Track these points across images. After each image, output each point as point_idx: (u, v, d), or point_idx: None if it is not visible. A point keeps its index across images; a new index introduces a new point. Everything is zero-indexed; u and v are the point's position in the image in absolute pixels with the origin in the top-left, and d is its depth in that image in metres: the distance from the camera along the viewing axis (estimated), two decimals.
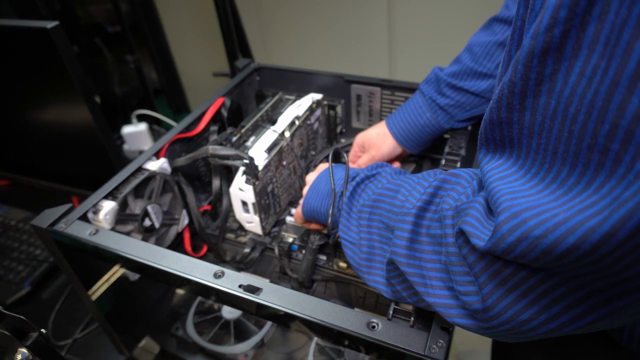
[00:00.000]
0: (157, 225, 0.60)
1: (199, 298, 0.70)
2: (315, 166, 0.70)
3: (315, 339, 0.63)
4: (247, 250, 0.63)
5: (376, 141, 0.66)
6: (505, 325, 0.29)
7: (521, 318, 0.28)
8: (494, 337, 0.32)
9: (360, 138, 0.68)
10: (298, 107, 0.68)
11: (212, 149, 0.58)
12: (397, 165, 0.68)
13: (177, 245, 0.66)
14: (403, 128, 0.64)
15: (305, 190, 0.56)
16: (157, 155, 0.61)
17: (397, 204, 0.39)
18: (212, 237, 0.66)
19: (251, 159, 0.56)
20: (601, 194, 0.22)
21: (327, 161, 0.73)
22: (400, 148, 0.66)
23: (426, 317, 0.38)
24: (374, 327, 0.36)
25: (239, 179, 0.58)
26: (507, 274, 0.28)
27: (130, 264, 0.45)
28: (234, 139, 0.62)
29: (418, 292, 0.35)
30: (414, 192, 0.39)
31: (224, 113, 0.69)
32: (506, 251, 0.26)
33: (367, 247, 0.42)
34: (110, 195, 0.54)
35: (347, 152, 0.77)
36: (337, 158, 0.75)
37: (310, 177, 0.57)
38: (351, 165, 0.66)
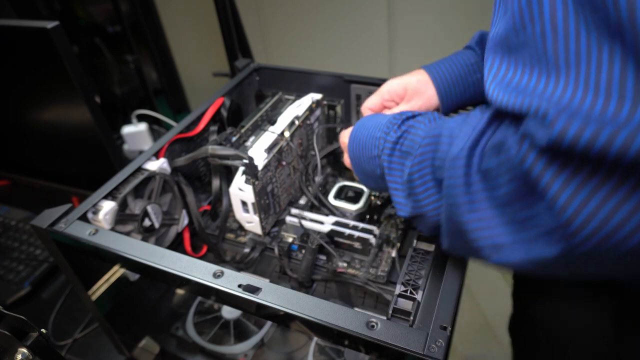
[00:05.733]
0: (157, 225, 0.60)
1: (199, 298, 0.70)
2: (316, 166, 0.70)
3: (315, 338, 0.63)
4: (247, 250, 0.63)
5: (420, 87, 0.58)
6: (591, 239, 0.26)
7: (609, 225, 0.25)
8: (571, 266, 0.29)
9: (392, 85, 0.59)
10: (298, 107, 0.68)
11: (211, 149, 0.58)
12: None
13: (177, 245, 0.66)
14: (448, 81, 0.57)
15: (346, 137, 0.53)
16: (157, 155, 0.61)
17: (449, 154, 0.37)
18: (212, 237, 0.66)
19: (251, 159, 0.56)
20: None
21: (328, 159, 0.72)
22: (437, 102, 0.58)
23: (426, 317, 0.38)
24: (373, 326, 0.36)
25: (239, 179, 0.58)
26: (586, 174, 0.25)
27: (130, 264, 0.45)
28: (234, 139, 0.62)
29: (482, 243, 0.34)
30: (461, 136, 0.36)
31: (224, 113, 0.69)
32: (575, 137, 0.24)
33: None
34: (110, 196, 0.54)
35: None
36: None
37: (346, 133, 0.54)
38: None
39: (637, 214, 0.24)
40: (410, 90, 0.58)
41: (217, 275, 0.41)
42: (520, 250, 0.31)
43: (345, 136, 0.55)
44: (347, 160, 0.53)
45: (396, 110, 0.58)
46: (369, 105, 0.60)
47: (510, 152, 0.31)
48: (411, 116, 0.45)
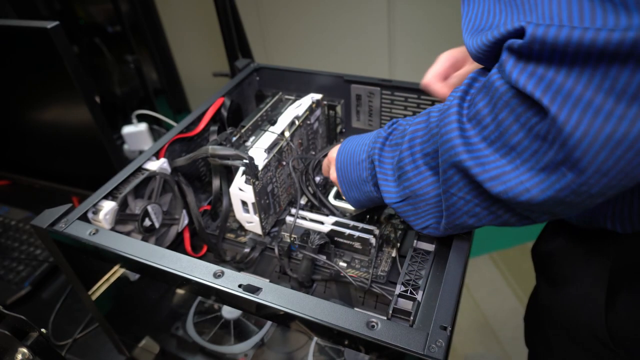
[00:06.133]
0: (157, 225, 0.60)
1: (199, 298, 0.70)
2: (316, 166, 0.70)
3: (315, 338, 0.63)
4: (247, 250, 0.63)
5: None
6: (590, 150, 0.27)
7: (605, 132, 0.27)
8: (579, 190, 0.30)
9: (451, 52, 0.60)
10: (298, 107, 0.68)
11: (211, 149, 0.58)
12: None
13: (177, 245, 0.66)
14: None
15: (332, 156, 0.55)
16: (157, 155, 0.61)
17: (432, 125, 0.40)
18: (212, 237, 0.66)
19: (251, 159, 0.56)
20: None
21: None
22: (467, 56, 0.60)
23: (426, 317, 0.38)
24: (373, 326, 0.36)
25: (239, 179, 0.58)
26: (571, 85, 0.27)
27: (130, 264, 0.45)
28: (234, 139, 0.62)
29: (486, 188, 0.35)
30: (446, 103, 0.39)
31: (224, 113, 0.69)
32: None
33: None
34: (110, 195, 0.54)
35: None
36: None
37: (334, 151, 0.56)
38: (445, 82, 0.58)
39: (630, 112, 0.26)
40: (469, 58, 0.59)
41: (217, 275, 0.41)
42: (525, 179, 0.32)
43: (333, 152, 0.57)
44: (332, 174, 0.56)
45: (463, 71, 0.59)
46: (434, 73, 0.59)
47: (496, 83, 0.32)
48: (396, 121, 0.48)
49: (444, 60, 0.60)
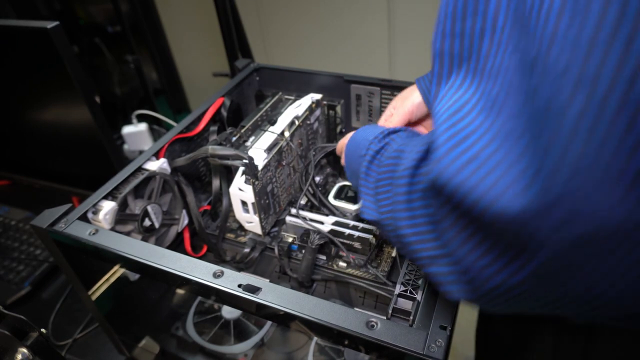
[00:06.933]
0: (157, 225, 0.60)
1: (199, 298, 0.70)
2: (316, 166, 0.70)
3: (315, 338, 0.63)
4: (247, 250, 0.63)
5: (404, 94, 0.61)
6: (467, 273, 0.29)
7: (479, 264, 0.28)
8: (478, 300, 0.31)
9: (395, 100, 0.63)
10: (298, 107, 0.68)
11: (211, 149, 0.58)
12: (421, 129, 0.64)
13: (177, 245, 0.66)
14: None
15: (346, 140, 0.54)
16: (157, 155, 0.61)
17: (400, 169, 0.38)
18: (212, 237, 0.66)
19: (251, 159, 0.56)
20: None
21: (328, 159, 0.72)
22: (424, 105, 0.60)
23: (425, 317, 0.38)
24: (373, 326, 0.36)
25: (239, 179, 0.58)
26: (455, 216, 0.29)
27: (130, 264, 0.45)
28: (234, 139, 0.62)
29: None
30: (413, 153, 0.37)
31: (224, 113, 0.69)
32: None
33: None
34: (110, 195, 0.54)
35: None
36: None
37: (345, 140, 0.55)
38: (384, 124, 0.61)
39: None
40: (396, 98, 0.61)
41: (217, 275, 0.41)
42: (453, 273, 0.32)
43: (347, 137, 0.56)
44: (343, 159, 0.55)
45: (388, 115, 0.61)
46: (385, 116, 0.62)
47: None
48: (393, 131, 0.47)
49: (390, 103, 0.62)
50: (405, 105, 0.58)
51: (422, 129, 0.61)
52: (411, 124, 0.61)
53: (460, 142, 0.27)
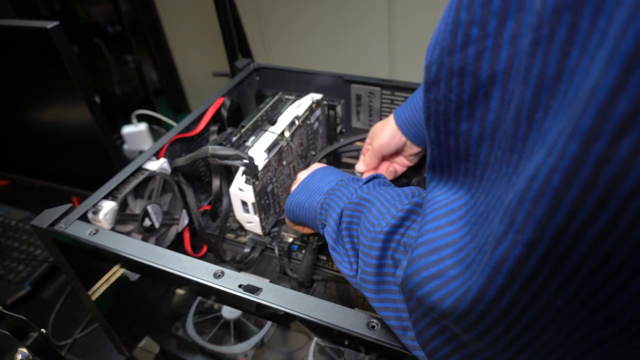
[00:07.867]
0: (157, 225, 0.60)
1: (199, 298, 0.70)
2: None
3: (315, 339, 0.63)
4: (247, 250, 0.63)
5: (378, 129, 0.64)
6: None
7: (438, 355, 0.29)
8: None
9: (371, 129, 0.66)
10: (298, 107, 0.68)
11: (212, 149, 0.58)
12: (400, 162, 0.66)
13: (177, 245, 0.66)
14: (406, 114, 0.61)
15: (293, 187, 0.53)
16: (157, 155, 0.61)
17: (371, 221, 0.37)
18: (212, 237, 0.66)
19: (251, 159, 0.56)
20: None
21: (328, 159, 0.72)
22: (401, 136, 0.62)
23: None
24: (373, 326, 0.36)
25: (239, 179, 0.58)
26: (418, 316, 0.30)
27: (130, 264, 0.45)
28: (234, 139, 0.62)
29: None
30: (387, 215, 0.36)
31: (224, 113, 0.69)
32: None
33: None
34: (110, 195, 0.54)
35: (345, 152, 0.77)
36: (338, 159, 0.75)
37: (302, 175, 0.54)
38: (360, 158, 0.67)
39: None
40: (372, 133, 0.66)
41: (217, 275, 0.41)
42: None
43: (304, 174, 0.55)
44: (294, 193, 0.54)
45: (365, 150, 0.68)
46: (363, 150, 0.69)
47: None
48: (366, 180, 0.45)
49: (368, 137, 0.67)
50: (374, 146, 0.64)
51: (396, 167, 0.67)
52: (385, 158, 0.67)
53: (433, 251, 0.27)
